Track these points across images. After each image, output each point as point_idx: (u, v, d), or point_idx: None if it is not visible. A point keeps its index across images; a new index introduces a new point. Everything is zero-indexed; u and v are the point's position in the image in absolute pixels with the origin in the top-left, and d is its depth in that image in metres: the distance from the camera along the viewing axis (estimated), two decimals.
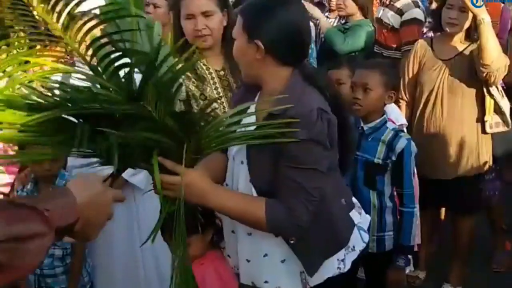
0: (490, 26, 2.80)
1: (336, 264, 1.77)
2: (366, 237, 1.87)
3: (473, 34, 2.95)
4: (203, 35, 2.23)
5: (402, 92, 3.16)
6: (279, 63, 1.65)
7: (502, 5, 4.44)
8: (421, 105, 3.10)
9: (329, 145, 1.61)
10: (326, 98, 1.66)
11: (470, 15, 2.90)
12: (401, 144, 2.40)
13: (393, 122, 2.65)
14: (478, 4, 2.81)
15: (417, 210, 2.49)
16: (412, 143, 2.46)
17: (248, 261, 1.78)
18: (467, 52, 2.99)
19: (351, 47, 3.71)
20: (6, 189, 2.55)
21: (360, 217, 1.88)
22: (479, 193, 3.21)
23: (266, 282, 1.76)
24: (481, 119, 3.07)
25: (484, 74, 2.88)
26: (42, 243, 1.02)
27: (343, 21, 3.97)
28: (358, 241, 1.83)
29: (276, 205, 1.62)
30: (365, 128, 2.49)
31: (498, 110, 3.07)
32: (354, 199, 1.92)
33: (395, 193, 2.50)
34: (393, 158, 2.42)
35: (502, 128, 3.11)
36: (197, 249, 1.95)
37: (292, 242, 1.69)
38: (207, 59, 2.30)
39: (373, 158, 2.45)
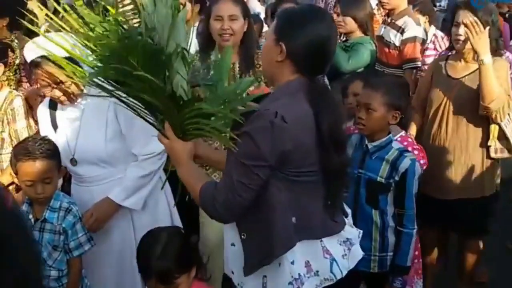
0: (490, 68, 2.76)
1: (288, 278, 1.75)
2: (338, 273, 1.81)
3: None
4: (227, 33, 2.74)
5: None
6: (294, 70, 1.74)
7: (503, 19, 4.46)
8: (428, 122, 3.05)
9: (267, 150, 1.64)
10: (317, 113, 1.70)
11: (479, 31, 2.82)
12: (405, 164, 2.37)
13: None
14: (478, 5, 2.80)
15: (415, 231, 2.45)
16: (417, 164, 2.44)
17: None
18: (478, 72, 2.89)
19: (355, 66, 3.68)
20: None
21: (344, 251, 1.85)
22: (485, 216, 3.10)
23: (232, 272, 1.88)
24: (485, 143, 3.00)
25: (485, 113, 2.85)
26: None
27: (343, 39, 3.96)
28: (325, 269, 1.79)
29: (211, 183, 1.78)
30: (369, 146, 2.46)
31: (502, 136, 3.02)
32: (348, 235, 1.87)
33: None
34: (396, 178, 2.39)
35: (506, 155, 3.06)
36: (184, 286, 2.03)
37: (243, 237, 1.78)
38: None
39: (376, 176, 2.41)
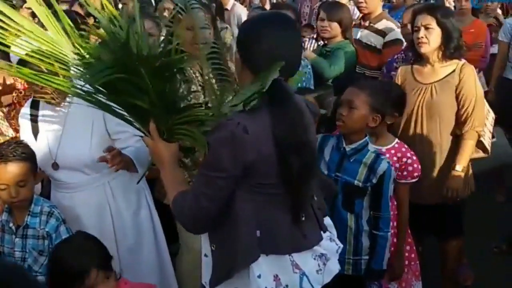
0: (464, 165, 2.93)
1: None
2: None
3: (448, 50, 2.95)
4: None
5: None
6: (251, 74, 1.73)
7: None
8: (402, 128, 3.06)
9: (228, 161, 1.64)
10: (273, 120, 1.67)
11: (439, 31, 2.91)
12: (383, 166, 2.39)
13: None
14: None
15: (390, 234, 2.47)
16: (392, 168, 2.47)
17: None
18: (448, 79, 2.97)
19: (338, 72, 3.74)
20: None
21: (319, 267, 1.83)
22: (461, 218, 3.15)
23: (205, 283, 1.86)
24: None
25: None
26: None
27: (321, 43, 4.02)
28: (294, 284, 1.78)
29: (183, 193, 1.76)
30: (347, 149, 2.47)
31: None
32: (323, 250, 1.85)
33: None
34: (374, 181, 2.40)
35: (481, 154, 3.11)
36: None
37: (213, 248, 1.78)
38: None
39: (353, 180, 2.42)
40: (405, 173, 2.65)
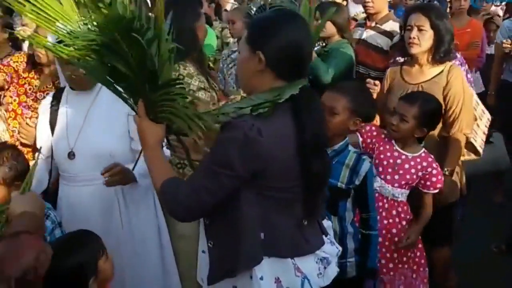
0: (453, 170, 2.91)
1: None
2: None
3: (438, 54, 2.93)
4: None
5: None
6: (275, 77, 1.72)
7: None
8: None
9: (236, 161, 1.62)
10: (300, 119, 1.69)
11: (431, 33, 2.89)
12: (365, 167, 2.38)
13: None
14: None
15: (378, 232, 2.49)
16: (373, 166, 2.48)
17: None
18: (435, 79, 2.95)
19: (335, 75, 3.72)
20: None
21: (319, 270, 1.82)
22: (451, 222, 3.13)
23: (202, 280, 1.85)
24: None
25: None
26: None
27: (323, 44, 3.99)
28: (295, 287, 1.76)
29: (175, 180, 1.75)
30: (328, 151, 2.41)
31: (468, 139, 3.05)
32: (325, 254, 1.85)
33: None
34: (357, 182, 2.39)
35: (473, 157, 3.09)
36: None
37: (210, 245, 1.77)
38: None
39: (336, 182, 2.40)
40: (428, 183, 2.70)
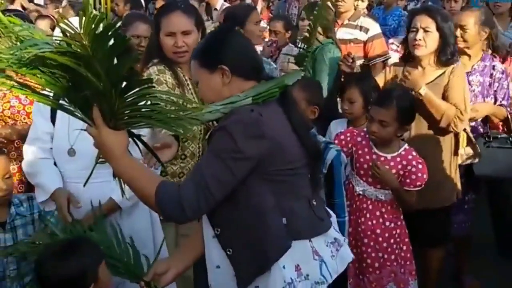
0: (428, 95, 2.84)
1: (281, 284, 1.70)
2: (328, 276, 1.78)
3: (444, 56, 2.91)
4: (182, 51, 2.53)
5: None
6: (244, 80, 1.77)
7: None
8: None
9: (243, 142, 1.62)
10: (285, 107, 1.78)
11: (437, 36, 2.87)
12: (331, 155, 2.41)
13: None
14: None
15: (347, 219, 2.52)
16: (342, 154, 2.49)
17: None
18: (437, 81, 2.93)
19: (317, 77, 3.71)
20: None
21: (332, 253, 1.83)
22: (446, 226, 3.10)
23: None
24: (451, 151, 3.01)
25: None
26: None
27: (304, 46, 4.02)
28: (315, 272, 1.77)
29: (170, 183, 1.73)
30: None
31: (469, 141, 3.06)
32: (336, 235, 1.87)
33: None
34: (324, 170, 2.40)
35: (473, 160, 3.09)
36: None
37: (229, 253, 1.74)
38: (183, 69, 2.58)
39: None
40: (407, 180, 2.65)
